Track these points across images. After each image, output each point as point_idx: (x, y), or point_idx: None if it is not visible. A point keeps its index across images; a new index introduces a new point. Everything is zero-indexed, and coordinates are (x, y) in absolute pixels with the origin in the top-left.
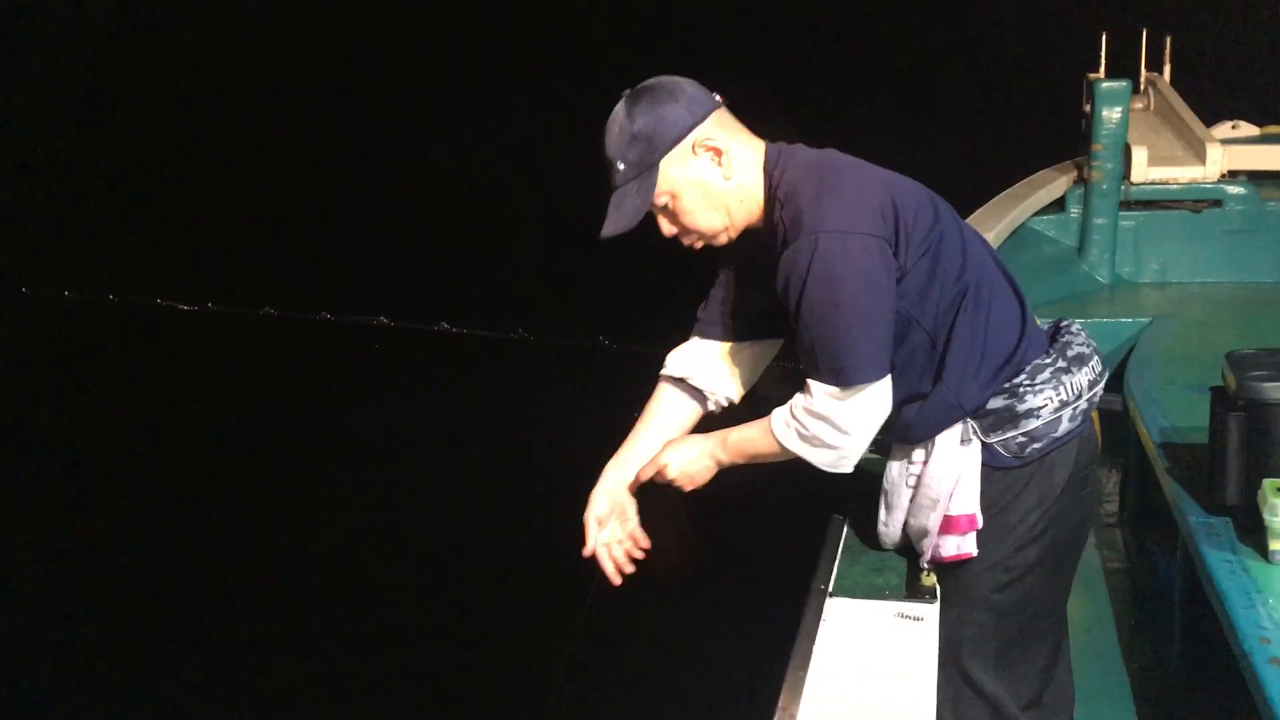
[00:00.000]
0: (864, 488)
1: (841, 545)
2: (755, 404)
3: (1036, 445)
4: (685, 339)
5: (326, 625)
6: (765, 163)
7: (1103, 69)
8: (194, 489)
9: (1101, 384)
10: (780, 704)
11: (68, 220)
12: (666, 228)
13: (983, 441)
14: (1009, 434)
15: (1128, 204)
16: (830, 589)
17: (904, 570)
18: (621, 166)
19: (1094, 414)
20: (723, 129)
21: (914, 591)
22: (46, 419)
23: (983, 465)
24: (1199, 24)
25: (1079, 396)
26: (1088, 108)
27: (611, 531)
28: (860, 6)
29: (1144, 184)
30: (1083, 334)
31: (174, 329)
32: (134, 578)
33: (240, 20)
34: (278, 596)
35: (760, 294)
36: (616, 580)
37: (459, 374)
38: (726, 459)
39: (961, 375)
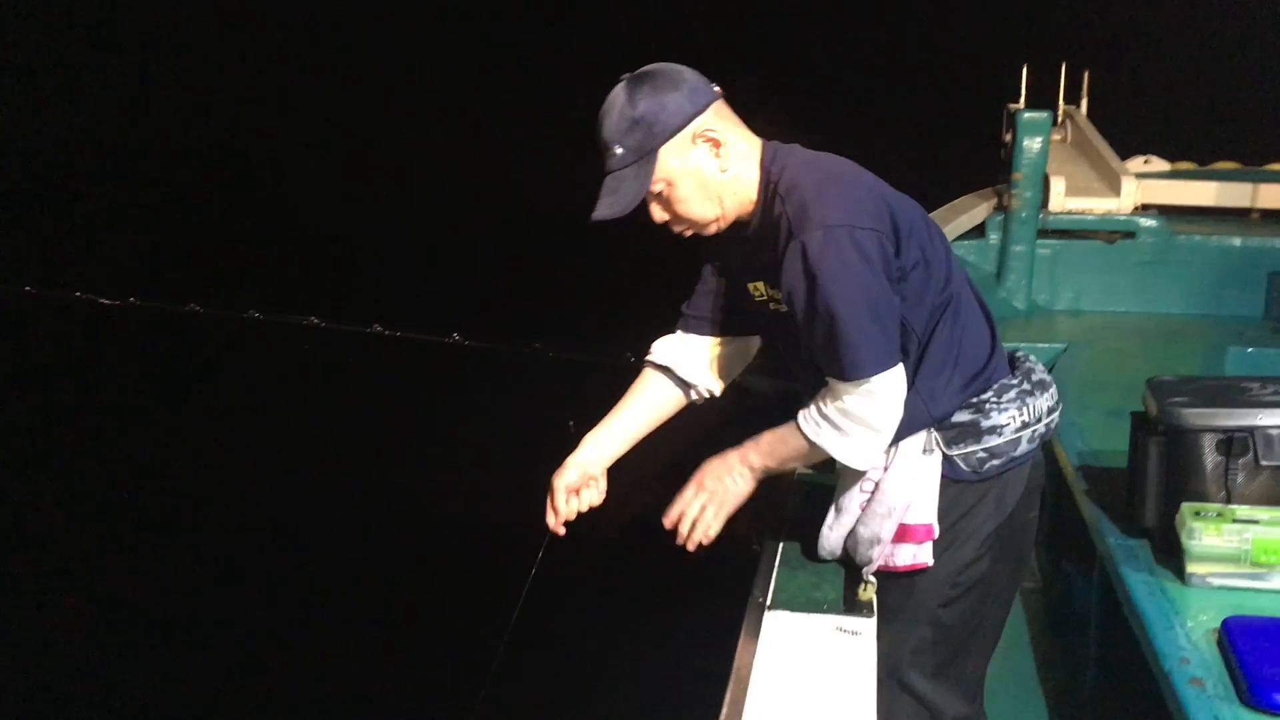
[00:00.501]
0: (801, 498)
1: (779, 558)
2: (736, 397)
3: (995, 462)
4: (670, 330)
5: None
6: (762, 158)
7: (1023, 99)
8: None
9: (1058, 412)
10: (722, 716)
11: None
12: (658, 214)
13: (944, 453)
14: (971, 448)
15: (1045, 232)
16: (769, 602)
17: (841, 584)
18: (619, 150)
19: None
20: (722, 120)
21: (852, 606)
22: None
23: (941, 477)
24: (1116, 60)
25: (1039, 420)
26: (1008, 137)
27: (576, 503)
28: (780, 32)
29: (1061, 213)
30: (1040, 363)
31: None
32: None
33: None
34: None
35: (747, 290)
36: (560, 530)
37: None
38: (760, 464)
39: (934, 382)
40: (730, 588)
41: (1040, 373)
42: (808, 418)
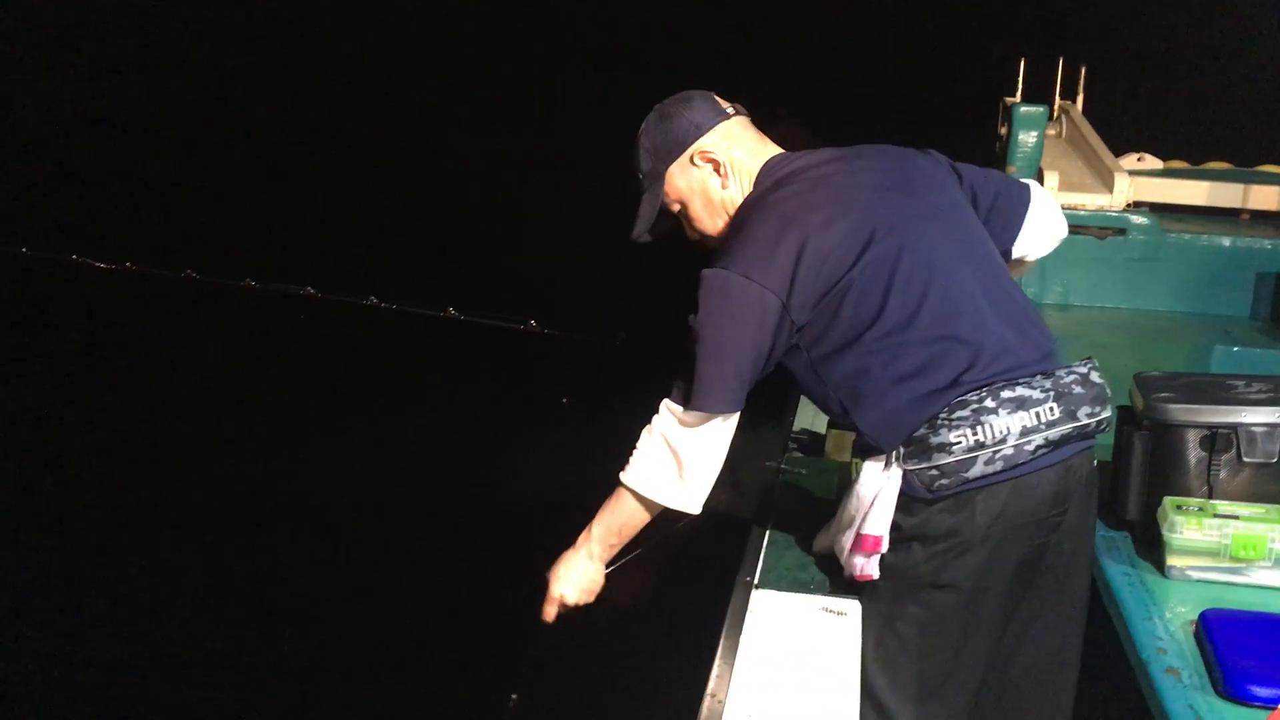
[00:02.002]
0: (789, 480)
1: (766, 538)
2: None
3: (945, 482)
4: None
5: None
6: (759, 175)
7: (1019, 94)
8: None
9: (1052, 432)
10: (709, 690)
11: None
12: (689, 233)
13: (902, 468)
14: (922, 465)
15: None
16: (756, 581)
17: (828, 566)
18: (640, 176)
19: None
20: (728, 139)
21: (838, 586)
22: None
23: (901, 493)
24: (1113, 58)
25: (1001, 441)
26: (1004, 130)
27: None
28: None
29: None
30: (1070, 377)
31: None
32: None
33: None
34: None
35: None
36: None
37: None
38: (600, 548)
39: (877, 417)
40: (719, 567)
41: (1034, 389)
42: (625, 468)
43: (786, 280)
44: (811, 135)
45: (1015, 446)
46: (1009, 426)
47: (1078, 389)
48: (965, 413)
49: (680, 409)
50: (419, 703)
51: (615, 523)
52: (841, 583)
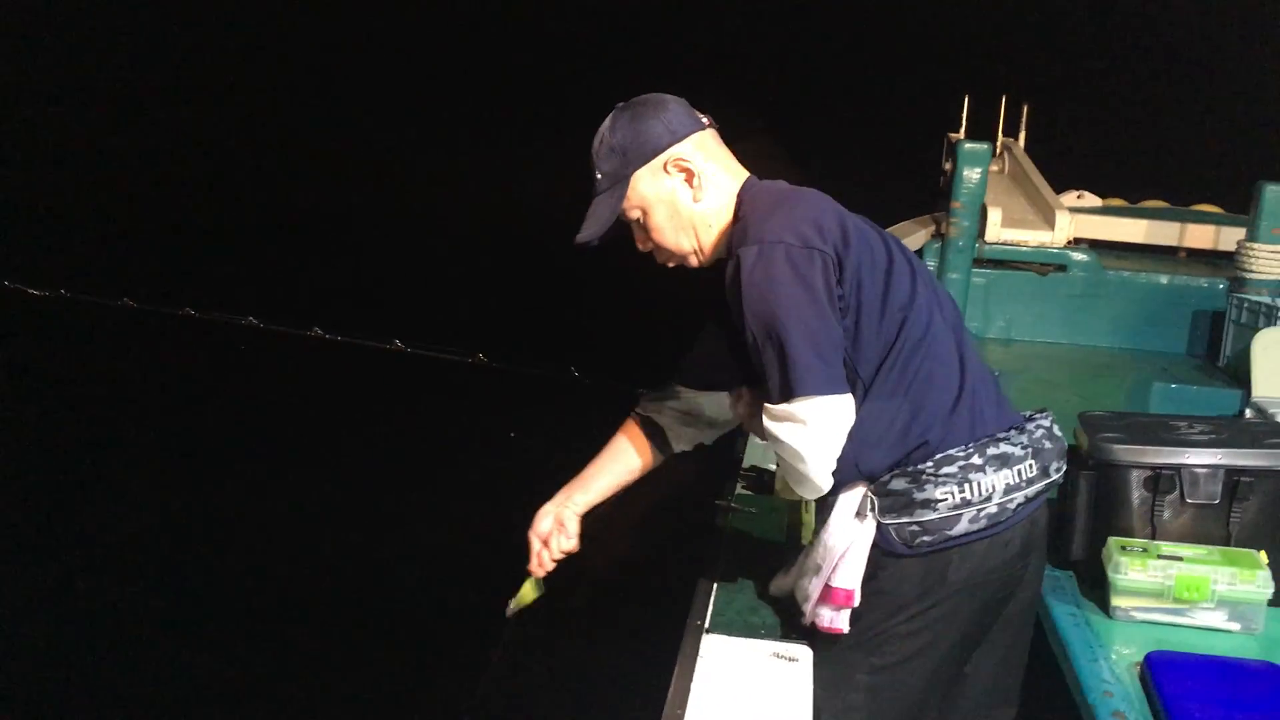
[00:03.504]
0: (739, 522)
1: (717, 582)
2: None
3: (927, 539)
4: (663, 381)
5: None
6: (740, 190)
7: (963, 130)
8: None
9: (1030, 489)
10: None
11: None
12: (641, 241)
13: (877, 521)
14: (902, 519)
15: (980, 261)
16: (707, 625)
17: (779, 609)
18: (599, 176)
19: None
20: (701, 151)
21: (790, 632)
22: None
23: (873, 546)
24: (1054, 95)
25: (986, 499)
26: (948, 166)
27: (548, 554)
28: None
29: (996, 244)
30: (1039, 432)
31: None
32: None
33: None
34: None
35: (728, 343)
36: (539, 572)
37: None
38: None
39: (867, 435)
40: (668, 607)
41: (1013, 445)
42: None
43: (832, 246)
44: (753, 168)
45: (999, 505)
46: (994, 484)
47: (1047, 444)
48: (953, 469)
49: (782, 407)
50: None
51: None
52: (793, 626)
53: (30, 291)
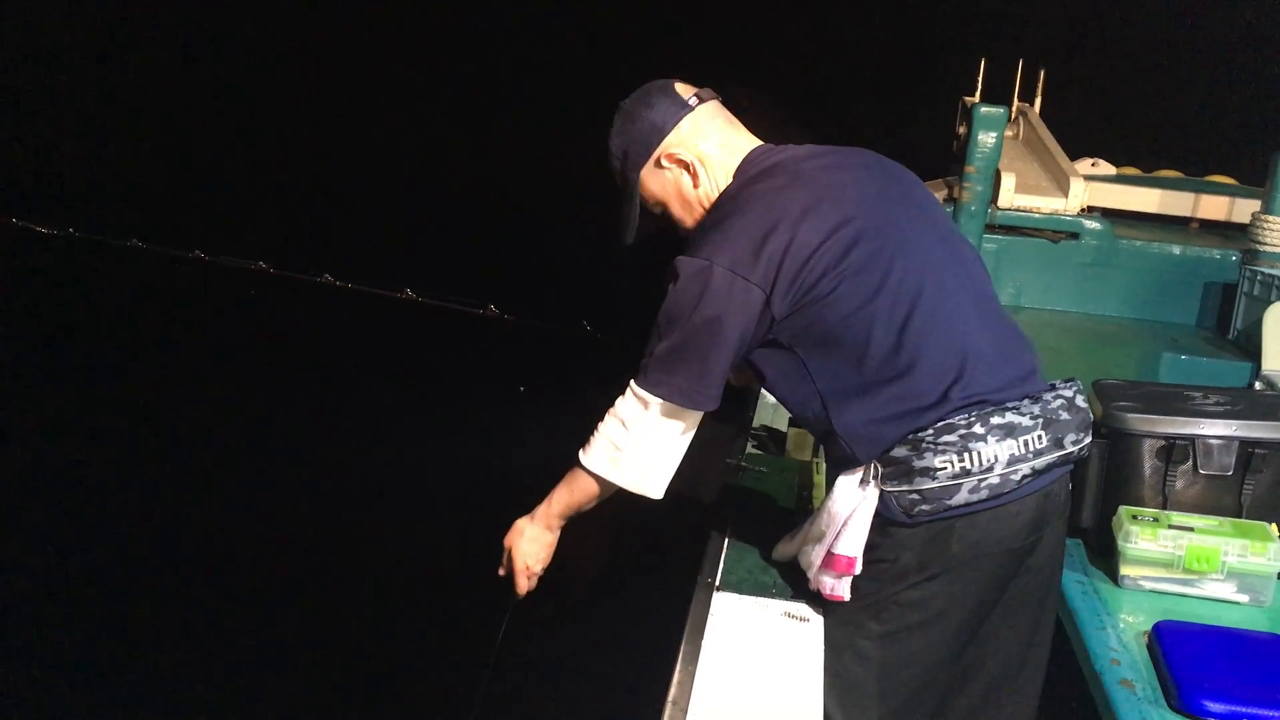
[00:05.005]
0: (750, 481)
1: (727, 540)
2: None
3: (925, 507)
4: None
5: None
6: (741, 167)
7: (979, 94)
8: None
9: (1038, 461)
10: (670, 697)
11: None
12: (678, 230)
13: (880, 489)
14: (902, 487)
15: (992, 227)
16: (717, 583)
17: (790, 569)
18: (618, 181)
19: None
20: (695, 134)
21: (800, 592)
22: None
23: (876, 514)
24: (1071, 61)
25: (988, 469)
26: (962, 130)
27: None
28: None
29: (1010, 210)
30: (1057, 403)
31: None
32: None
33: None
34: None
35: None
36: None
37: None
38: (558, 520)
39: (853, 419)
40: (678, 566)
41: (1022, 415)
42: (584, 446)
43: (771, 274)
44: (770, 132)
45: (1001, 475)
46: (996, 454)
47: (1064, 415)
48: (952, 438)
49: (653, 399)
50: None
51: (574, 500)
52: (804, 588)
53: (38, 229)
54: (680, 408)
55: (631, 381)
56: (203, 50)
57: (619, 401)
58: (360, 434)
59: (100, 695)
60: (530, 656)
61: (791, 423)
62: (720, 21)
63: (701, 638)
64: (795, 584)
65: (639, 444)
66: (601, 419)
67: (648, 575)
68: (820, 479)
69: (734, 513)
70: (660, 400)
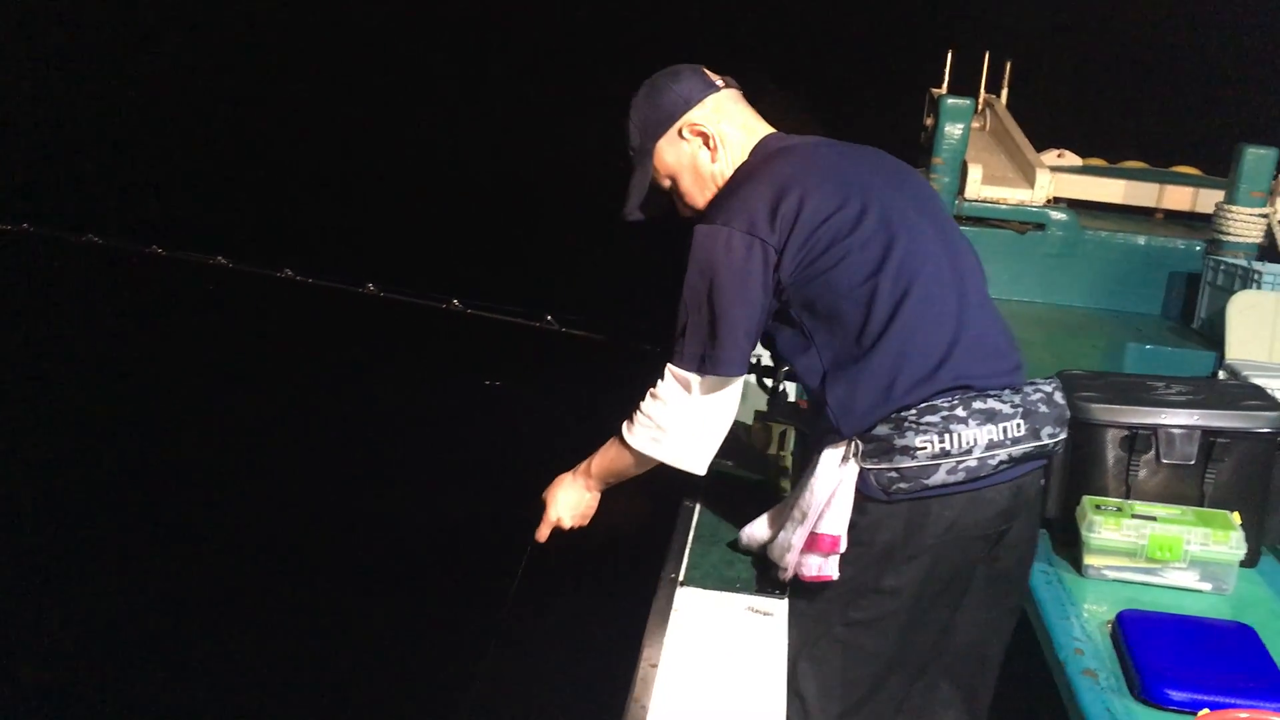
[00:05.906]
0: (715, 475)
1: (692, 534)
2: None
3: (903, 485)
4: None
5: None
6: (756, 148)
7: (945, 85)
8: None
9: (1016, 449)
10: (633, 695)
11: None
12: (680, 208)
13: (860, 466)
14: (881, 465)
15: (959, 218)
16: (681, 578)
17: (754, 563)
18: (632, 153)
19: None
20: (718, 113)
21: (764, 586)
22: None
23: (855, 491)
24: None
25: (966, 451)
26: (929, 121)
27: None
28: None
29: (976, 201)
30: (1036, 395)
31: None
32: None
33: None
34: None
35: None
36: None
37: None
38: (598, 484)
39: (842, 393)
40: (642, 561)
41: (1003, 403)
42: (627, 424)
43: (784, 233)
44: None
45: (979, 459)
46: (976, 438)
47: (1043, 408)
48: (935, 418)
49: (692, 376)
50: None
51: (614, 469)
52: (768, 580)
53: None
54: (719, 378)
55: (668, 364)
56: (166, 42)
57: (659, 383)
58: (331, 430)
59: (100, 695)
60: (492, 654)
61: (756, 416)
62: (680, 14)
63: (664, 633)
64: (761, 577)
65: (682, 421)
66: (643, 398)
67: (612, 571)
68: (788, 467)
69: (698, 507)
70: (698, 376)
